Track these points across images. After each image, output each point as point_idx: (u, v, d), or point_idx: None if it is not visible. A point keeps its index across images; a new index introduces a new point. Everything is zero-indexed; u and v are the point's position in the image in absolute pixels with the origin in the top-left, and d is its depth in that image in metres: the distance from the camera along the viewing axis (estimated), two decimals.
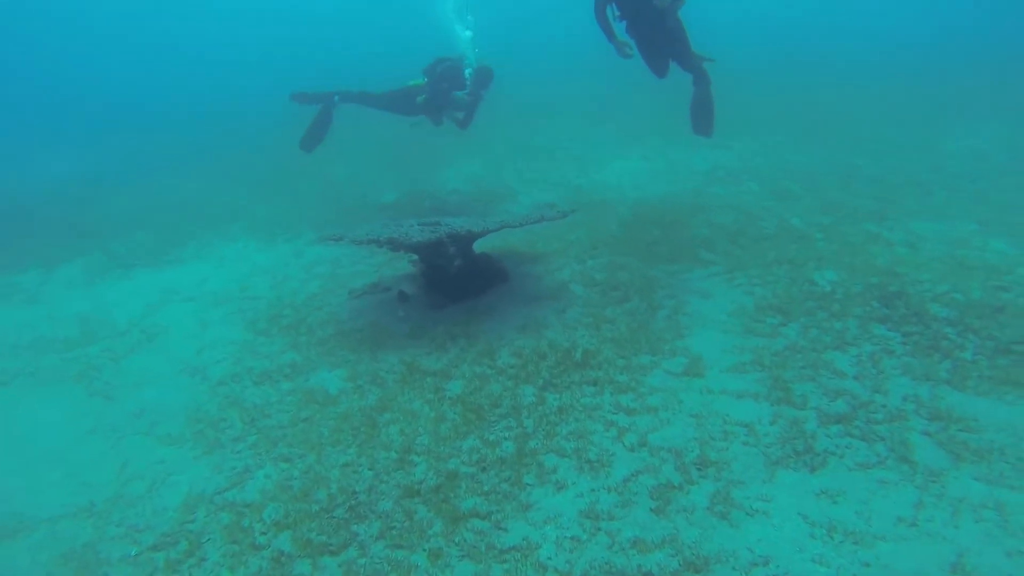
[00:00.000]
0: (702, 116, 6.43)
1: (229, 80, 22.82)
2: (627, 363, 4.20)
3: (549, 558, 2.74)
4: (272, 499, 3.22)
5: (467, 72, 7.76)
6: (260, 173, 10.71)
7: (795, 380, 3.88)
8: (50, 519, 3.36)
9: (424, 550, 2.84)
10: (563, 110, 13.53)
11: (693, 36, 6.13)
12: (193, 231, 8.07)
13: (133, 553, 3.02)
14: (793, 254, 5.72)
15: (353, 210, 8.27)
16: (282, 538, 2.99)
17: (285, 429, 3.81)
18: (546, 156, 10.20)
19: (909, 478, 3.00)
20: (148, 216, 9.10)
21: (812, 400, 3.67)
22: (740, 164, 8.98)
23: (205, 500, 3.29)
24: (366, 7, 31.23)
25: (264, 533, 3.04)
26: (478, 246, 5.56)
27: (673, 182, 8.43)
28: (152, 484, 3.46)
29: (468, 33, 8.08)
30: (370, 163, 10.67)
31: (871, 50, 16.83)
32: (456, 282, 5.38)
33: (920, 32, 17.96)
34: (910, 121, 10.41)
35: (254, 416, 3.99)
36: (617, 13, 6.06)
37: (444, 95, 7.81)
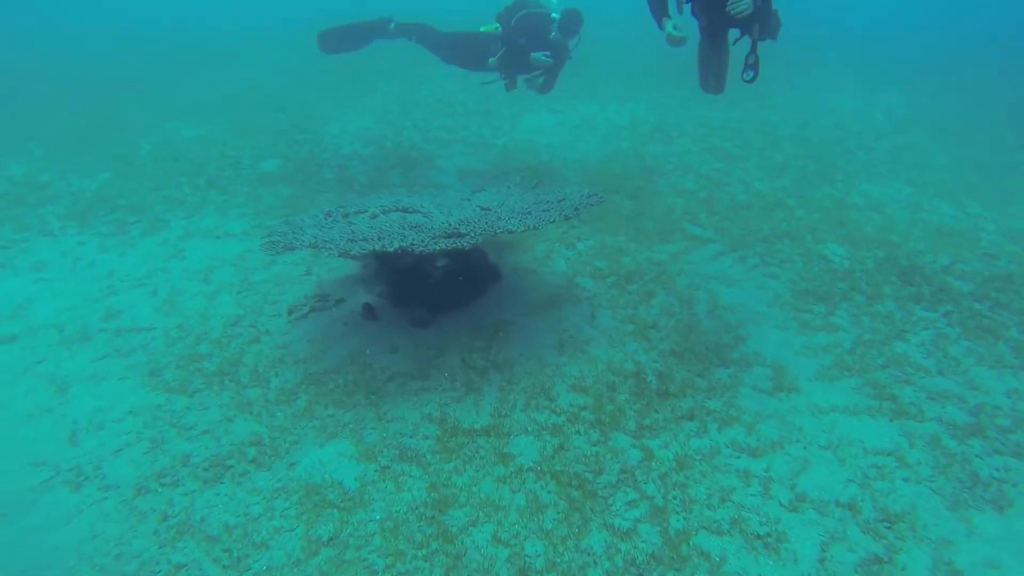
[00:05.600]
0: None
1: None
2: (708, 383, 3.48)
3: None
4: None
5: (554, 18, 5.75)
6: (64, 128, 7.70)
7: (892, 384, 3.52)
8: None
9: None
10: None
11: None
12: None
13: None
14: (783, 226, 5.43)
15: (225, 184, 6.20)
16: None
17: (304, 567, 2.44)
18: (444, 110, 8.80)
19: None
20: None
21: (926, 409, 3.32)
22: (658, 119, 8.57)
23: None
24: None
25: None
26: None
27: (605, 141, 7.73)
28: None
29: None
30: (225, 117, 8.25)
31: None
32: (440, 289, 4.14)
33: None
34: (778, 75, 10.88)
35: (238, 551, 2.51)
36: None
37: (522, 54, 5.80)
